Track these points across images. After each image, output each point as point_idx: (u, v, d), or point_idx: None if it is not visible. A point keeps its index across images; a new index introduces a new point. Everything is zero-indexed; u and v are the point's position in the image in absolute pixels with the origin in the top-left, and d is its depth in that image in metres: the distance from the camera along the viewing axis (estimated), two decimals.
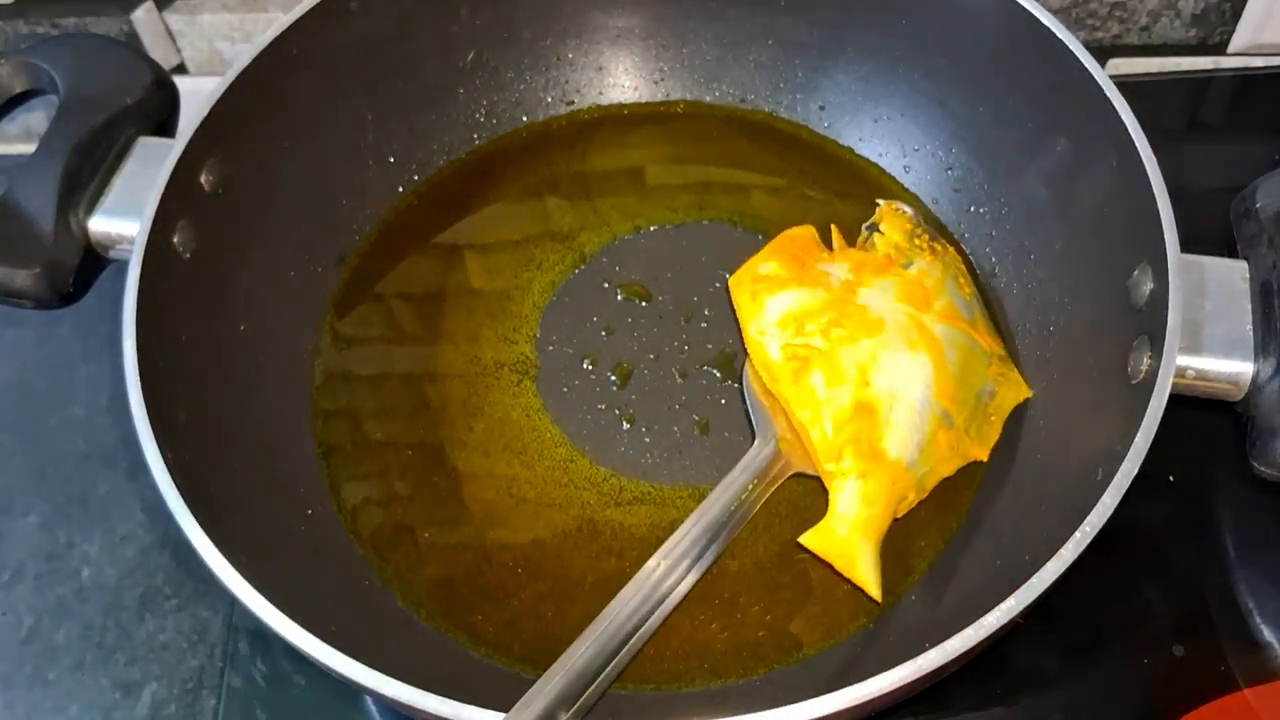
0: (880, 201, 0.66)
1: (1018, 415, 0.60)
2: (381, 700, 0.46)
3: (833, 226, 0.66)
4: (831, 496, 0.56)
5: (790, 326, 0.59)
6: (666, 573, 0.51)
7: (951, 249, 0.65)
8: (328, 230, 0.68)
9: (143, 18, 0.82)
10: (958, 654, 0.43)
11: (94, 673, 0.61)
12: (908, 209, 0.66)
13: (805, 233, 0.64)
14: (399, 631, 0.56)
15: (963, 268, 0.64)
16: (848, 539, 0.54)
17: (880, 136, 0.71)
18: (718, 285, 0.67)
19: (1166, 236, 0.52)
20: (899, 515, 0.56)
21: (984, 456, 0.58)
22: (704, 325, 0.65)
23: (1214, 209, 0.58)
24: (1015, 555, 0.50)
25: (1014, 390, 0.60)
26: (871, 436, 0.56)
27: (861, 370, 0.57)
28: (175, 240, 0.58)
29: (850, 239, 0.67)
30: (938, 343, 0.58)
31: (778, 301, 0.60)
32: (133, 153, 0.62)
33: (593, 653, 0.48)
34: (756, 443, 0.58)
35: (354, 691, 0.49)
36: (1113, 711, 0.56)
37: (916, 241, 0.63)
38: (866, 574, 0.54)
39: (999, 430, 0.59)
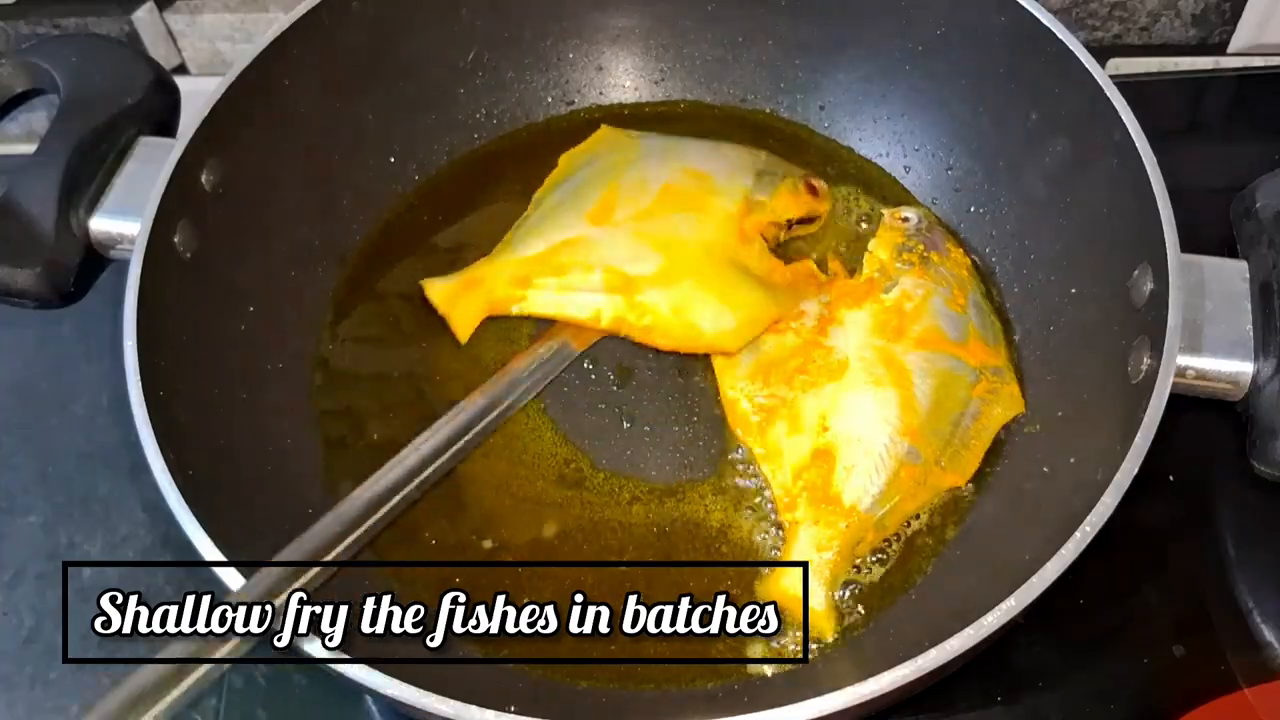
0: (885, 212, 0.67)
1: (1018, 415, 0.60)
2: (382, 699, 0.46)
3: (829, 256, 0.66)
4: (786, 543, 0.57)
5: (759, 378, 0.61)
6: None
7: (956, 252, 0.65)
8: (328, 230, 0.68)
9: (144, 18, 0.82)
10: (958, 654, 0.43)
11: (95, 672, 0.61)
12: (911, 214, 0.66)
13: (800, 268, 0.65)
14: None
15: (964, 274, 0.64)
16: (799, 585, 0.54)
17: (880, 136, 0.71)
18: None
19: (1166, 236, 0.52)
20: (860, 555, 0.57)
21: (961, 483, 0.58)
22: None
23: (1214, 209, 0.58)
24: (1015, 555, 0.50)
25: (1006, 406, 0.60)
26: (826, 483, 0.57)
27: (822, 416, 0.58)
28: (176, 240, 0.58)
29: (848, 240, 0.67)
30: (906, 375, 0.59)
31: (749, 354, 0.61)
32: (133, 152, 0.62)
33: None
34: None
35: (354, 691, 0.49)
36: (1113, 711, 0.56)
37: (906, 256, 0.63)
38: (818, 619, 0.54)
39: (981, 454, 0.59)
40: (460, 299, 0.64)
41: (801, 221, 0.67)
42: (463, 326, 0.64)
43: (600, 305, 0.61)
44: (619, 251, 0.61)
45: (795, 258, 0.67)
